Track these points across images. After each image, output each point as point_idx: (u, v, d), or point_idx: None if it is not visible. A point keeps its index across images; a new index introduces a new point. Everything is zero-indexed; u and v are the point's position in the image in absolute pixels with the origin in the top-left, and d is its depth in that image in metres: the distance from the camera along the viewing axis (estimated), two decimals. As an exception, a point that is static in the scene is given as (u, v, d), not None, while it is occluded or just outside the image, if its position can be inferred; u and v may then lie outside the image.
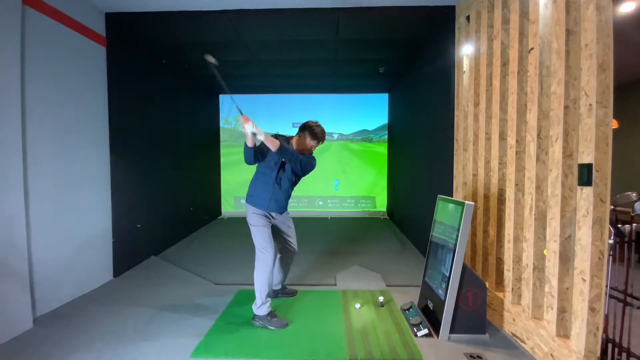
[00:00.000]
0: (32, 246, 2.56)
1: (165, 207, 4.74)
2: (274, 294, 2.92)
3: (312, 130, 2.59)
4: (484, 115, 2.81)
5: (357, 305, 2.82)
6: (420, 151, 4.71)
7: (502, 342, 2.33)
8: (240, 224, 6.47)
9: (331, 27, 3.74)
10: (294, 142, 2.67)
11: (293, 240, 2.88)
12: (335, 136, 7.41)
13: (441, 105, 3.75)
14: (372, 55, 4.71)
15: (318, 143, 2.64)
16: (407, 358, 2.12)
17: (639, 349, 1.85)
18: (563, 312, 1.96)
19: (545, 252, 2.10)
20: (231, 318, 2.63)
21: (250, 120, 2.26)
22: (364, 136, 7.45)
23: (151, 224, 4.27)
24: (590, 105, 1.72)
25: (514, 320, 2.38)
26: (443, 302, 2.34)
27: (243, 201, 7.22)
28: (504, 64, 2.56)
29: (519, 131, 2.36)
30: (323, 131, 2.64)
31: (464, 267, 2.35)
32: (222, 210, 7.39)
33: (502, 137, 2.59)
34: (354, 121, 7.31)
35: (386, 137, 7.37)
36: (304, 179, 2.80)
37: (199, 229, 6.06)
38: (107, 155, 3.48)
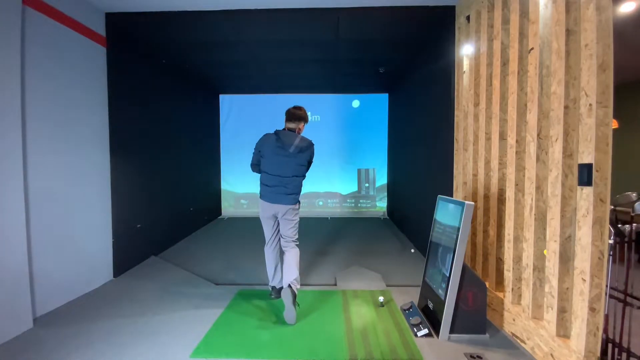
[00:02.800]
0: (32, 246, 2.56)
1: (165, 207, 4.74)
2: (277, 293, 2.94)
3: (287, 112, 2.85)
4: (484, 115, 2.81)
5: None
6: (420, 151, 4.71)
7: (502, 342, 2.33)
8: (240, 224, 6.52)
9: (331, 27, 3.74)
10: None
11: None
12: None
13: (441, 105, 3.75)
14: (372, 55, 4.71)
15: (294, 123, 2.82)
16: (407, 358, 2.12)
17: (639, 349, 1.85)
18: (563, 312, 1.96)
19: (545, 252, 2.10)
20: (231, 318, 2.64)
21: None
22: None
23: (151, 224, 4.27)
24: (590, 105, 1.72)
25: (514, 320, 2.38)
26: (443, 302, 2.34)
27: (243, 201, 7.34)
28: (504, 64, 2.56)
29: (519, 131, 2.36)
30: (291, 110, 2.83)
31: (464, 267, 2.35)
32: (222, 210, 7.38)
33: (502, 137, 2.59)
34: (353, 122, 7.28)
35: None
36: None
37: (199, 229, 6.06)
38: (107, 155, 3.48)
